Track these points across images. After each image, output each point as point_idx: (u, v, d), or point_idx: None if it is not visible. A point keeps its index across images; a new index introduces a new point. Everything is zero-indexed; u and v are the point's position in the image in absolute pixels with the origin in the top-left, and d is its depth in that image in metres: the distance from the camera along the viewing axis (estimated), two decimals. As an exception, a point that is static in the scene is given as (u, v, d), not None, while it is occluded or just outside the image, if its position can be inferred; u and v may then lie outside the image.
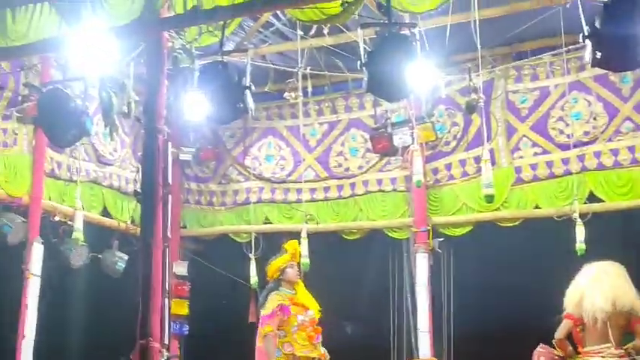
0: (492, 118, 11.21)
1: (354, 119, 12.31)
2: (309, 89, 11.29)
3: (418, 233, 11.44)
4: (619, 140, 10.56)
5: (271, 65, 11.48)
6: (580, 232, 9.91)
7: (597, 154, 10.63)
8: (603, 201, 10.58)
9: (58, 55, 9.99)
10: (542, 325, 8.30)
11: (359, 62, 7.05)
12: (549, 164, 10.95)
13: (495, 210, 11.13)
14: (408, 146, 10.98)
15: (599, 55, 6.28)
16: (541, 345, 8.05)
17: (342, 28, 10.01)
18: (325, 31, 10.32)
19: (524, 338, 8.51)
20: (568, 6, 8.85)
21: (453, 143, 11.55)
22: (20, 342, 10.05)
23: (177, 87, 8.72)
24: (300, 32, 10.40)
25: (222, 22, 7.63)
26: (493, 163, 10.51)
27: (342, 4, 7.21)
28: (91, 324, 11.11)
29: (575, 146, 10.65)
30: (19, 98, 10.31)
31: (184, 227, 13.05)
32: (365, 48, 7.32)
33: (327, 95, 12.30)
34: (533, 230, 10.83)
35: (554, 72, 10.97)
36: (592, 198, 10.62)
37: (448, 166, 11.61)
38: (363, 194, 12.16)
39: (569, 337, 7.96)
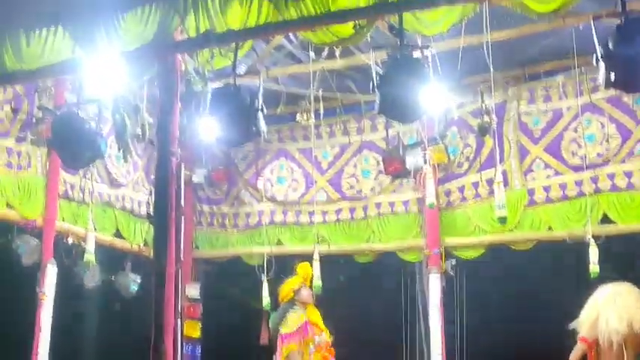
0: (505, 140, 11.19)
1: (366, 141, 12.31)
2: (321, 111, 11.31)
3: (430, 255, 11.41)
4: (632, 162, 10.52)
5: (283, 87, 11.51)
6: (593, 254, 9.85)
7: (611, 176, 10.59)
8: (616, 223, 10.53)
9: (72, 77, 10.05)
10: (555, 347, 8.24)
11: (371, 84, 7.06)
12: (562, 186, 10.92)
13: (508, 232, 11.08)
14: (421, 168, 10.98)
15: (612, 76, 6.26)
16: (555, 368, 8.00)
17: (354, 50, 10.04)
18: (337, 53, 10.35)
19: (537, 361, 8.48)
20: (581, 27, 8.85)
21: (466, 165, 11.54)
22: (34, 363, 10.06)
23: (190, 109, 8.74)
24: (312, 54, 10.44)
25: (234, 45, 7.66)
26: (506, 184, 10.51)
27: (354, 27, 7.23)
28: (103, 345, 11.13)
29: (588, 168, 10.60)
30: (33, 121, 10.37)
31: (197, 249, 13.06)
32: (377, 70, 7.32)
33: (339, 117, 12.29)
34: (546, 252, 10.80)
35: (566, 93, 10.95)
36: (605, 220, 10.57)
37: (461, 188, 11.59)
38: (375, 216, 12.14)
39: (584, 360, 7.90)
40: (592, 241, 9.92)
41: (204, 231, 13.15)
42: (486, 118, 9.46)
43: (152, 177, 10.89)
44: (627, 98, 10.49)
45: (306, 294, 9.54)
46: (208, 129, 7.88)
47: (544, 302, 10.30)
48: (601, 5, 7.71)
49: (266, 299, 11.28)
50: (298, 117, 11.24)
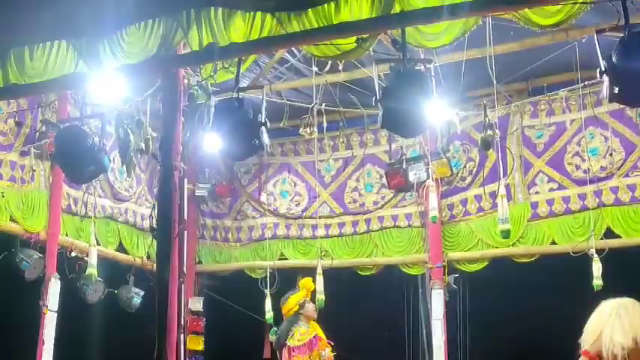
0: (508, 154, 11.20)
1: (369, 155, 12.32)
2: (324, 125, 11.31)
3: (433, 269, 11.41)
4: (636, 176, 10.51)
5: (286, 101, 11.52)
6: (597, 268, 9.82)
7: (614, 190, 10.59)
8: (620, 237, 10.52)
9: (75, 92, 10.07)
10: (559, 361, 8.21)
11: (374, 98, 7.06)
12: (566, 200, 10.92)
13: (511, 245, 11.09)
14: (424, 182, 10.98)
15: (616, 90, 6.25)
16: (558, 382, 7.97)
17: (356, 64, 10.04)
18: (340, 67, 10.36)
19: (540, 375, 8.45)
20: (584, 41, 8.86)
21: (469, 179, 11.54)
22: (37, 377, 10.05)
23: (193, 123, 8.76)
24: (315, 68, 10.46)
25: (237, 59, 7.67)
26: (509, 198, 10.51)
27: (356, 40, 7.22)
28: (107, 359, 11.10)
29: (591, 182, 10.59)
30: (37, 135, 10.41)
31: (200, 263, 13.07)
32: (380, 84, 7.32)
33: (341, 131, 12.28)
34: (550, 266, 10.77)
35: (570, 107, 10.97)
36: (609, 234, 10.56)
37: (464, 202, 11.59)
38: (378, 230, 12.15)
39: (587, 374, 7.86)
40: (595, 256, 9.89)
41: (207, 245, 13.16)
42: (489, 132, 9.45)
43: (155, 191, 10.91)
44: (631, 112, 10.50)
45: (311, 308, 9.56)
46: (211, 143, 7.87)
47: (547, 316, 10.26)
48: (604, 19, 7.70)
49: (269, 313, 11.26)
50: (301, 131, 11.21)
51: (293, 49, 10.21)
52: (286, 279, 11.53)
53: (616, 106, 9.28)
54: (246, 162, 12.56)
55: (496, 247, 11.23)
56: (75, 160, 8.05)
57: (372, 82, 7.42)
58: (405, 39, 7.00)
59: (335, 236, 12.37)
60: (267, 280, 11.69)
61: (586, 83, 9.90)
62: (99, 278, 10.71)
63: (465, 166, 11.59)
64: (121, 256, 11.84)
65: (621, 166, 10.58)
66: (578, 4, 6.57)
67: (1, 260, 10.10)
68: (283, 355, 9.69)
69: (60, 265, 10.57)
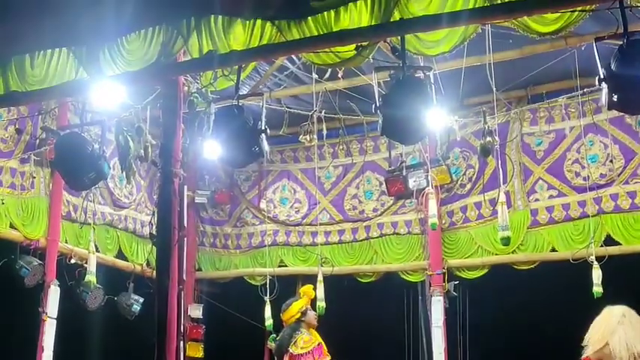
0: (508, 161, 11.20)
1: (368, 162, 12.33)
2: (324, 132, 11.31)
3: (433, 276, 11.40)
4: (636, 183, 10.51)
5: (286, 109, 11.53)
6: (596, 275, 9.81)
7: (614, 197, 10.58)
8: (620, 244, 10.51)
9: (76, 99, 10.08)
10: (559, 368, 8.22)
11: (373, 105, 7.06)
12: (565, 207, 10.92)
13: (511, 253, 11.08)
14: (423, 189, 10.99)
15: (615, 97, 6.26)
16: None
17: (356, 71, 10.06)
18: (340, 74, 10.36)
19: (540, 382, 8.45)
20: (583, 48, 8.88)
21: (469, 186, 11.54)
22: (36, 384, 10.05)
23: (193, 131, 8.77)
24: (314, 76, 10.47)
25: (237, 67, 7.68)
26: (509, 205, 10.51)
27: (356, 48, 7.23)
28: (106, 367, 11.11)
29: (591, 189, 10.58)
30: (37, 142, 10.43)
31: (199, 270, 13.06)
32: (379, 91, 7.33)
33: (341, 138, 12.27)
34: (549, 273, 10.76)
35: (569, 114, 10.97)
36: (609, 241, 10.55)
37: (463, 209, 11.59)
38: (377, 237, 12.15)
39: (587, 381, 7.86)
40: (595, 263, 9.88)
41: (206, 252, 13.16)
42: (489, 139, 9.46)
43: (155, 198, 10.92)
44: (630, 119, 10.51)
45: (312, 316, 9.57)
46: (211, 150, 7.88)
47: (547, 323, 10.26)
48: (603, 26, 7.71)
49: (268, 320, 11.25)
50: (301, 138, 11.22)
51: (293, 56, 10.22)
52: (286, 286, 11.53)
53: (615, 113, 9.28)
54: (245, 169, 12.58)
55: (496, 254, 11.22)
56: (75, 167, 8.06)
57: (372, 90, 7.43)
58: (404, 47, 7.01)
59: (335, 243, 12.36)
60: (267, 287, 11.66)
61: (585, 91, 9.92)
62: (98, 285, 10.72)
63: (464, 173, 11.59)
64: (120, 263, 11.84)
65: (621, 173, 10.58)
66: (577, 12, 6.59)
67: (0, 267, 10.10)
68: None
69: (59, 272, 10.58)
